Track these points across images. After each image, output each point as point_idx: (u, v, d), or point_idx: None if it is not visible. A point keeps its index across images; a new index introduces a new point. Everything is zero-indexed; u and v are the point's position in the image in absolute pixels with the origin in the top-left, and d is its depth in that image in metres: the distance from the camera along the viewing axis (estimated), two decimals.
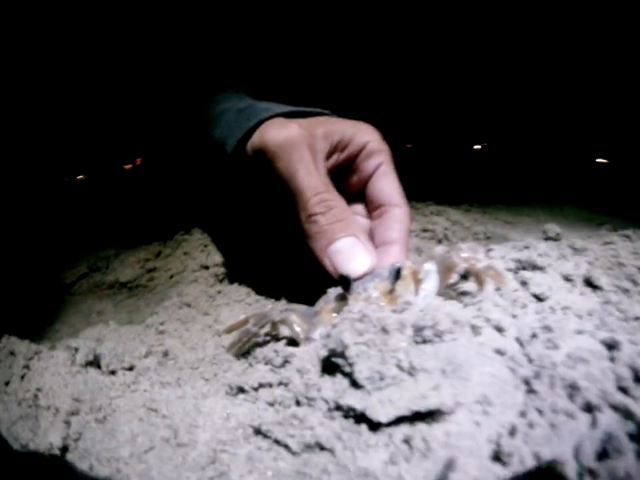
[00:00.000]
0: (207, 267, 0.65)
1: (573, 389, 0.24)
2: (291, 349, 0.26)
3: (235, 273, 0.65)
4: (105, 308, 0.70)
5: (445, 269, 0.37)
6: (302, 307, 0.40)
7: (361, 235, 0.44)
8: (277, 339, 0.39)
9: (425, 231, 0.80)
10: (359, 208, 0.53)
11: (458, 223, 0.82)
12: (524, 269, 0.46)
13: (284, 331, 0.36)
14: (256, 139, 0.48)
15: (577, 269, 0.48)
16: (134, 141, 1.00)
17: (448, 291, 0.40)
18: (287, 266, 0.64)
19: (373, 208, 0.51)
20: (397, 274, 0.35)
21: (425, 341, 0.24)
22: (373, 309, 0.25)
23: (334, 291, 0.38)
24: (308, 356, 0.24)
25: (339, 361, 0.23)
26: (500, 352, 0.28)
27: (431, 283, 0.36)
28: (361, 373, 0.21)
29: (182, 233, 0.76)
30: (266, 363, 0.35)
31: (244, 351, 0.37)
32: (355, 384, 0.22)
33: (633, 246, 0.51)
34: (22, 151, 0.95)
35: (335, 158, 0.50)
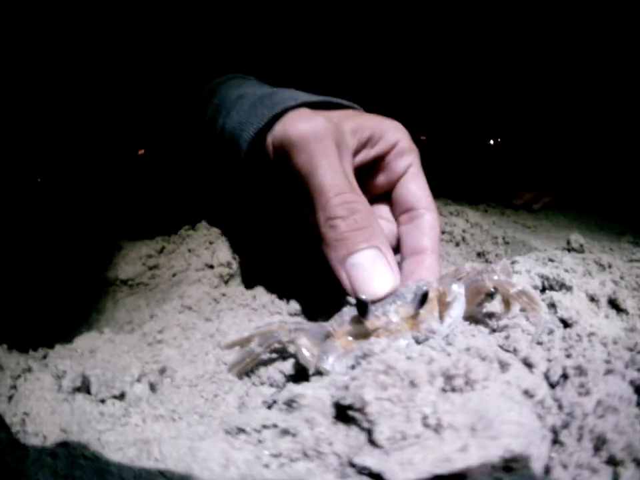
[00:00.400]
0: (211, 266, 0.63)
1: (600, 442, 0.23)
2: (299, 389, 0.24)
3: (241, 273, 0.63)
4: (104, 306, 0.69)
5: (475, 290, 0.35)
6: (312, 325, 0.37)
7: (385, 246, 0.40)
8: (283, 356, 0.38)
9: (443, 232, 0.78)
10: (384, 210, 0.51)
11: (477, 225, 0.79)
12: (551, 287, 0.45)
13: (292, 349, 0.35)
14: (278, 130, 0.44)
15: (602, 289, 0.46)
16: (135, 130, 0.98)
17: (473, 310, 0.38)
18: (298, 268, 0.62)
19: (400, 211, 0.49)
20: (422, 299, 0.32)
21: (454, 390, 0.22)
22: (398, 357, 0.23)
23: (349, 312, 0.35)
24: (319, 402, 0.22)
25: (357, 415, 0.21)
26: (529, 394, 0.26)
27: (458, 309, 0.33)
28: (381, 434, 0.19)
29: (187, 227, 0.74)
30: (270, 385, 0.34)
31: (247, 371, 0.36)
32: (373, 442, 0.20)
33: None
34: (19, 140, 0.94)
35: (362, 155, 0.47)
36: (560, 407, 0.25)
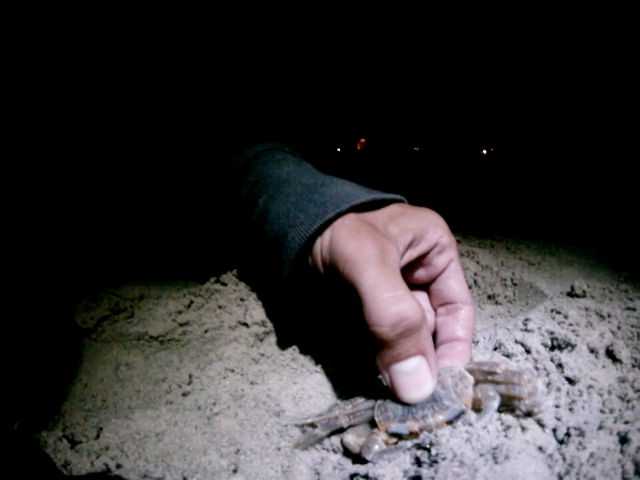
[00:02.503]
0: (246, 324, 0.75)
1: None
2: (379, 470, 0.38)
3: (276, 332, 0.75)
4: (134, 360, 0.75)
5: (507, 398, 0.46)
6: (365, 409, 0.49)
7: (430, 351, 0.47)
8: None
9: None
10: (422, 298, 0.59)
11: (487, 267, 0.94)
12: (559, 347, 0.59)
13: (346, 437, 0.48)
14: (327, 239, 0.52)
15: (601, 341, 0.60)
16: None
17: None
18: (331, 324, 0.72)
19: (439, 303, 0.58)
20: (459, 416, 0.43)
21: (496, 462, 0.36)
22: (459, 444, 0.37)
23: (392, 407, 0.46)
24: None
25: None
26: (541, 449, 0.40)
27: (490, 415, 0.44)
28: None
29: (213, 280, 0.83)
30: (334, 451, 0.48)
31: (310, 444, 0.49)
32: None
33: None
34: None
35: (406, 256, 0.55)
36: (564, 458, 0.39)
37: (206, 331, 0.78)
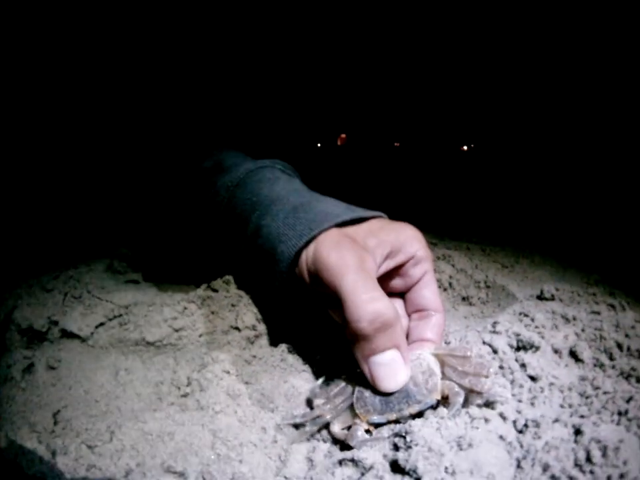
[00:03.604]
0: (237, 329, 0.84)
1: (545, 467, 0.45)
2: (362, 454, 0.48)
3: (266, 335, 0.83)
4: (132, 365, 0.82)
5: (469, 390, 0.56)
6: (345, 400, 0.59)
7: (403, 345, 0.55)
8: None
9: None
10: (398, 304, 0.68)
11: (462, 270, 1.03)
12: (524, 348, 0.68)
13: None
14: (311, 251, 0.61)
15: (565, 342, 0.69)
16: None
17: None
18: (314, 327, 0.81)
19: (413, 310, 0.66)
20: (429, 408, 0.54)
21: (461, 449, 0.45)
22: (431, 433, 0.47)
23: (370, 399, 0.56)
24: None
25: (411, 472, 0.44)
26: (502, 438, 0.49)
27: (456, 408, 0.54)
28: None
29: (205, 287, 0.91)
30: (324, 441, 0.56)
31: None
32: None
33: (616, 317, 0.72)
34: None
35: (384, 267, 0.63)
36: (521, 446, 0.48)
37: (200, 335, 0.85)
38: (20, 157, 1.09)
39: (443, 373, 0.58)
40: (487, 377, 0.56)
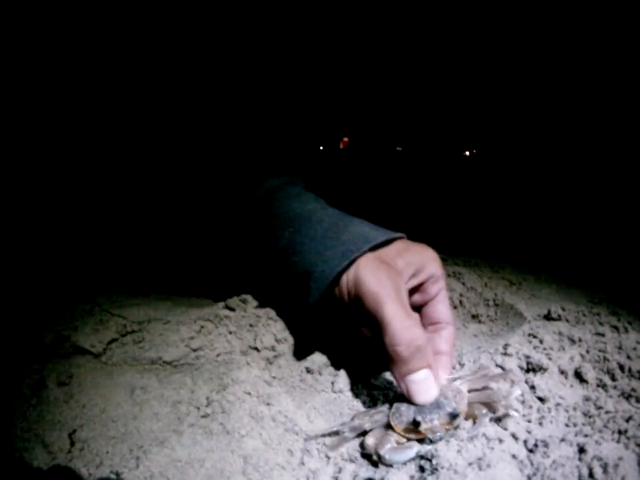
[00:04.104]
0: (256, 349, 0.89)
1: None
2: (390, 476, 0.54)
3: (284, 356, 0.88)
4: (148, 383, 0.84)
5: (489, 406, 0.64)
6: (379, 416, 0.66)
7: (434, 364, 0.64)
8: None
9: None
10: (417, 317, 0.75)
11: (472, 289, 1.09)
12: (533, 370, 0.74)
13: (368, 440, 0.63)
14: (352, 275, 0.70)
15: (570, 363, 0.76)
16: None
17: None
18: (335, 347, 0.88)
19: (429, 322, 0.76)
20: (454, 417, 0.61)
21: (481, 469, 0.52)
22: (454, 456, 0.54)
23: (406, 411, 0.63)
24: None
25: None
26: (515, 457, 0.56)
27: (483, 427, 0.61)
28: None
29: (222, 306, 0.96)
30: (352, 461, 0.63)
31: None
32: None
33: (619, 339, 0.79)
34: None
35: (409, 284, 0.72)
36: (532, 464, 0.54)
37: (218, 355, 0.90)
38: (57, 172, 1.15)
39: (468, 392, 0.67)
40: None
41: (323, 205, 0.89)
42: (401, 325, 0.63)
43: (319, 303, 0.76)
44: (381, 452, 0.60)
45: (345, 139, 3.91)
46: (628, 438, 0.55)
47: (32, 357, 0.83)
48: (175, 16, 1.27)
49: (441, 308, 0.76)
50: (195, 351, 0.92)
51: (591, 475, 0.51)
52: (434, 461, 0.56)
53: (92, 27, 1.16)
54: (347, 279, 0.71)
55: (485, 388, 0.67)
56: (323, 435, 0.68)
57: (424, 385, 0.64)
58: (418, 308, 0.78)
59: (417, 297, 0.77)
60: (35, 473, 0.63)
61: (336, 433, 0.67)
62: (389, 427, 0.65)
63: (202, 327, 0.94)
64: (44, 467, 0.64)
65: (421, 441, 0.62)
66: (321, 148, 3.66)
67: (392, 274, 0.68)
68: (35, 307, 1.01)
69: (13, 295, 1.04)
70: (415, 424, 0.61)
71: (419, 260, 0.73)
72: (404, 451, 0.60)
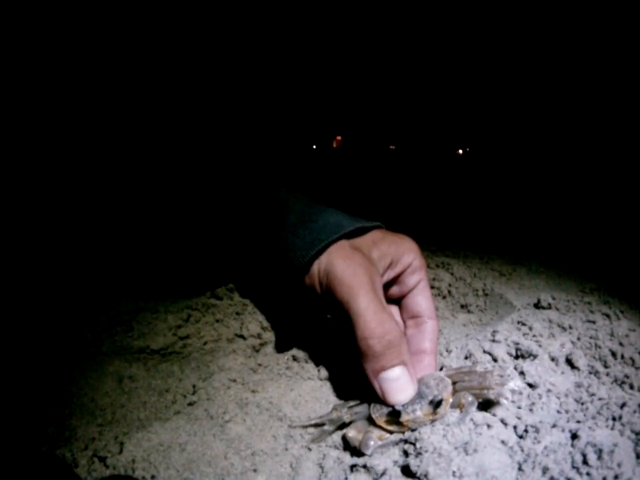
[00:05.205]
0: (242, 337, 0.87)
1: (545, 469, 0.49)
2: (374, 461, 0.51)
3: (271, 344, 0.86)
4: (137, 372, 0.83)
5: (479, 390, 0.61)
6: (360, 408, 0.63)
7: (409, 361, 0.60)
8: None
9: (432, 287, 1.05)
10: (394, 311, 0.73)
11: (461, 279, 1.07)
12: (522, 356, 0.71)
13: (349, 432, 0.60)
14: (324, 262, 0.65)
15: (561, 350, 0.73)
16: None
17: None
18: (319, 335, 0.85)
19: (408, 316, 0.71)
20: (438, 405, 0.57)
21: (467, 454, 0.49)
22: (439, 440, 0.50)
23: (386, 406, 0.60)
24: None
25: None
26: (504, 443, 0.53)
27: (469, 415, 0.57)
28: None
29: (209, 295, 0.95)
30: (336, 448, 0.60)
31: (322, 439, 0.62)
32: None
33: (610, 326, 0.76)
34: None
35: (385, 276, 0.68)
36: (522, 450, 0.51)
37: (205, 344, 0.88)
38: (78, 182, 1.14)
39: (454, 384, 0.63)
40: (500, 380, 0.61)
41: (298, 195, 0.85)
42: (373, 317, 0.58)
43: (293, 292, 0.74)
44: (366, 451, 0.57)
45: (338, 138, 3.90)
46: (623, 424, 0.52)
47: (24, 346, 0.83)
48: (175, 16, 1.24)
49: (420, 300, 0.71)
50: (182, 339, 0.90)
51: (585, 461, 0.48)
52: (417, 445, 0.53)
53: (93, 27, 1.13)
54: (318, 267, 0.67)
55: (473, 375, 0.63)
56: (304, 427, 0.65)
57: (398, 383, 0.59)
58: (397, 301, 0.74)
59: (395, 289, 0.72)
60: (19, 459, 0.62)
61: (318, 425, 0.64)
62: (369, 419, 0.61)
63: (189, 315, 0.93)
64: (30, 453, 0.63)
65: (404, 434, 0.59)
66: (314, 147, 3.64)
67: (365, 263, 0.64)
68: (26, 297, 1.01)
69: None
70: (395, 414, 0.57)
71: (395, 250, 0.69)
72: (387, 446, 0.58)
